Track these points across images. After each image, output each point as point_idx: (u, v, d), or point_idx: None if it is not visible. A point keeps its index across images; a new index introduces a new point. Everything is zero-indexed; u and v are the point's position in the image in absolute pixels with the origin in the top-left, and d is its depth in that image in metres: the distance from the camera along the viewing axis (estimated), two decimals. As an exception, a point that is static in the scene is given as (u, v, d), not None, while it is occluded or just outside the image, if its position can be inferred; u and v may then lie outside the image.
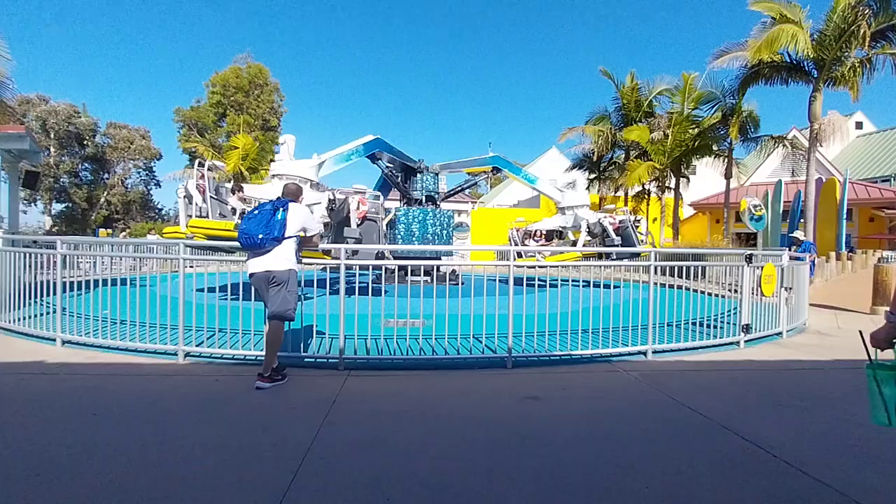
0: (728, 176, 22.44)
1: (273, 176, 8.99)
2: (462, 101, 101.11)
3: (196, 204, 8.37)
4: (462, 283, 11.32)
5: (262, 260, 3.90)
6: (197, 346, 4.81)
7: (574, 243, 12.53)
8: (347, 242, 8.40)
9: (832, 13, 15.73)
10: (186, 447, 2.78)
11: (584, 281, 5.55)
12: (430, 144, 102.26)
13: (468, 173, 14.39)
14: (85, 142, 41.33)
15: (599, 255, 11.74)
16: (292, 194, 4.26)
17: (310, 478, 2.43)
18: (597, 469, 2.58)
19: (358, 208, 9.08)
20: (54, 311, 5.07)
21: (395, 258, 8.83)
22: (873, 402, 1.85)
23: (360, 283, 8.42)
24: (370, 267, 5.97)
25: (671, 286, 5.88)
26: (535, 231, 14.40)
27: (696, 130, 22.53)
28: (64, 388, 3.79)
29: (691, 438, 3.02)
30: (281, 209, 3.93)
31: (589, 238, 12.22)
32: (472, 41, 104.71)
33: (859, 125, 35.12)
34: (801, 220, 17.97)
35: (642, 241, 12.64)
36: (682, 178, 24.72)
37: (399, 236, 11.87)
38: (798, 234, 13.43)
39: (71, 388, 3.79)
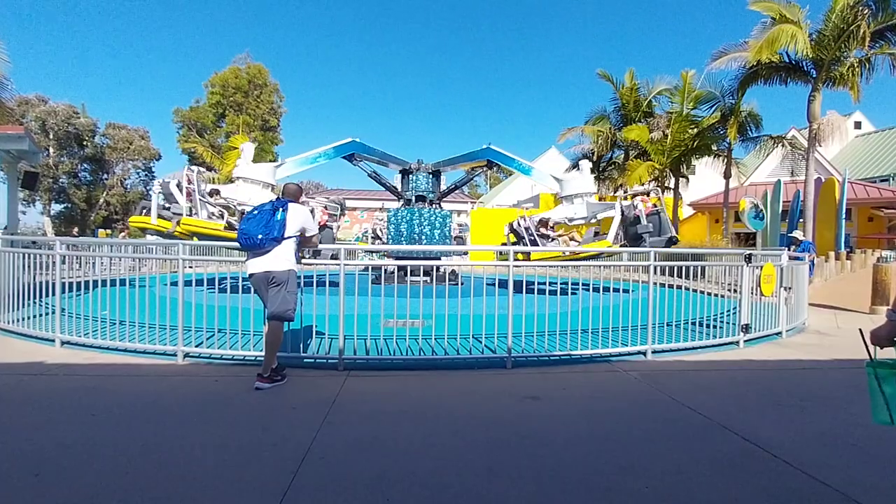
0: (727, 176, 22.46)
1: (237, 178, 9.99)
2: (462, 101, 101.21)
3: (181, 204, 9.21)
4: (462, 284, 11.32)
5: (261, 260, 3.90)
6: (196, 346, 4.81)
7: (597, 233, 10.89)
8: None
9: (830, 13, 15.75)
10: (186, 447, 2.77)
11: (599, 286, 5.37)
12: (429, 144, 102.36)
13: (464, 170, 13.59)
14: (84, 142, 41.27)
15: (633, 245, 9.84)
16: (292, 194, 4.25)
17: (309, 478, 2.43)
18: (597, 469, 2.58)
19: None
20: (53, 312, 5.07)
21: (395, 258, 8.84)
22: (874, 401, 1.84)
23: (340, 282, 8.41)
24: (369, 268, 5.99)
25: (671, 286, 5.88)
26: (550, 220, 11.35)
27: (696, 130, 22.54)
28: (63, 388, 3.79)
29: (691, 438, 3.02)
30: (280, 209, 3.93)
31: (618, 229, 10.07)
32: (472, 41, 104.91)
33: (858, 125, 35.14)
34: (801, 220, 17.98)
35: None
36: (681, 178, 24.73)
37: (389, 236, 11.91)
38: (797, 233, 13.44)
39: (70, 388, 3.78)
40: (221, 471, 2.50)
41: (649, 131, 22.60)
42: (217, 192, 10.21)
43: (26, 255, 5.72)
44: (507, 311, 4.77)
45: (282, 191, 4.32)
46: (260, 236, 3.82)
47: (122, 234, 32.14)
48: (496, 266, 5.64)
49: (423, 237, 11.30)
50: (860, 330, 1.99)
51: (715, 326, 6.08)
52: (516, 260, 5.72)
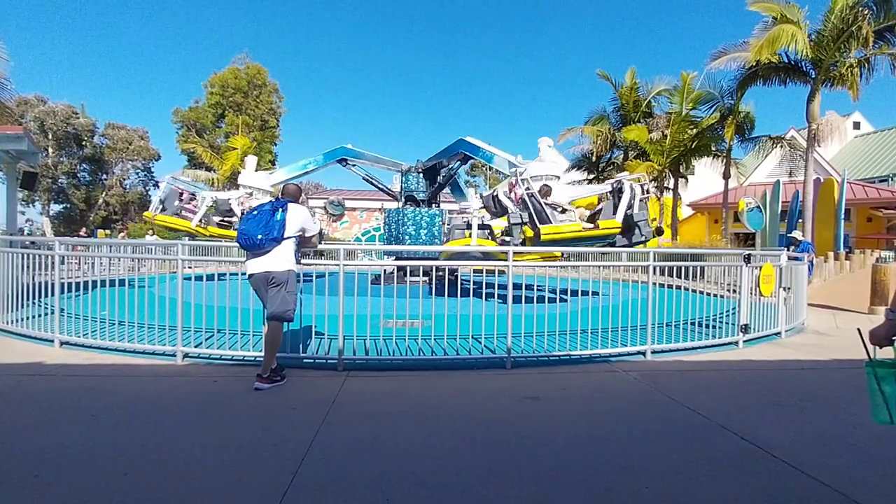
0: (726, 176, 22.47)
1: (239, 185, 11.52)
2: (462, 101, 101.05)
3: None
4: (462, 284, 11.31)
5: (261, 260, 3.90)
6: (195, 347, 4.80)
7: (592, 217, 8.47)
8: None
9: (830, 14, 15.77)
10: (185, 448, 2.77)
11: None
12: (429, 144, 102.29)
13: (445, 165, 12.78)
14: (83, 142, 41.21)
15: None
16: (291, 195, 4.25)
17: (309, 478, 2.43)
18: (596, 469, 2.58)
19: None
20: (52, 312, 5.06)
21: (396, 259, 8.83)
22: (874, 401, 1.84)
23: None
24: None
25: (670, 286, 5.89)
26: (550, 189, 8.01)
27: (695, 131, 22.56)
28: (62, 389, 3.79)
29: (691, 438, 3.02)
30: (280, 210, 3.93)
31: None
32: (472, 41, 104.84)
33: (857, 125, 35.19)
34: (800, 220, 18.00)
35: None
36: (680, 179, 24.74)
37: (385, 237, 12.04)
38: (796, 234, 13.46)
39: (69, 389, 3.78)
40: (221, 471, 2.50)
41: (648, 132, 22.61)
42: (192, 196, 11.65)
43: (25, 256, 5.72)
44: (507, 312, 4.77)
45: (281, 191, 4.31)
46: (260, 236, 3.82)
47: (122, 234, 32.12)
48: (496, 266, 5.63)
49: (408, 237, 11.21)
50: (859, 330, 1.99)
51: (714, 327, 6.08)
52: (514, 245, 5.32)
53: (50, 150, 38.82)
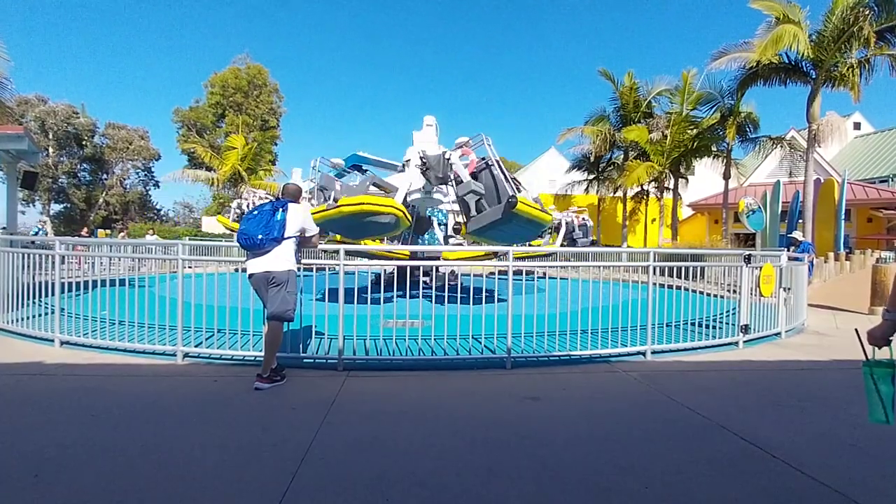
0: (727, 177, 22.49)
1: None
2: (462, 101, 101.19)
3: None
4: (462, 284, 11.32)
5: (261, 260, 3.90)
6: (196, 346, 4.80)
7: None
8: None
9: (831, 14, 15.78)
10: (186, 448, 2.77)
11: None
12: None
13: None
14: (84, 142, 41.25)
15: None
16: (291, 195, 4.25)
17: (309, 478, 2.43)
18: (596, 469, 2.58)
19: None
20: (52, 312, 5.07)
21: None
22: (870, 401, 1.86)
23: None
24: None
25: (670, 287, 5.89)
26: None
27: (695, 131, 22.58)
28: (62, 388, 3.79)
29: (690, 439, 3.02)
30: (280, 210, 3.93)
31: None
32: (472, 41, 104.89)
33: (857, 126, 35.21)
34: (800, 221, 18.02)
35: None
36: (680, 179, 24.77)
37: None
38: (796, 234, 13.46)
39: (69, 388, 3.78)
40: (221, 471, 2.50)
41: (649, 132, 22.64)
42: None
43: (26, 255, 5.72)
44: (507, 312, 4.77)
45: (281, 191, 4.31)
46: (260, 236, 3.82)
47: (122, 234, 32.12)
48: (495, 266, 5.63)
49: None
50: (856, 330, 2.00)
51: (714, 327, 6.08)
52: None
53: (50, 149, 38.85)
